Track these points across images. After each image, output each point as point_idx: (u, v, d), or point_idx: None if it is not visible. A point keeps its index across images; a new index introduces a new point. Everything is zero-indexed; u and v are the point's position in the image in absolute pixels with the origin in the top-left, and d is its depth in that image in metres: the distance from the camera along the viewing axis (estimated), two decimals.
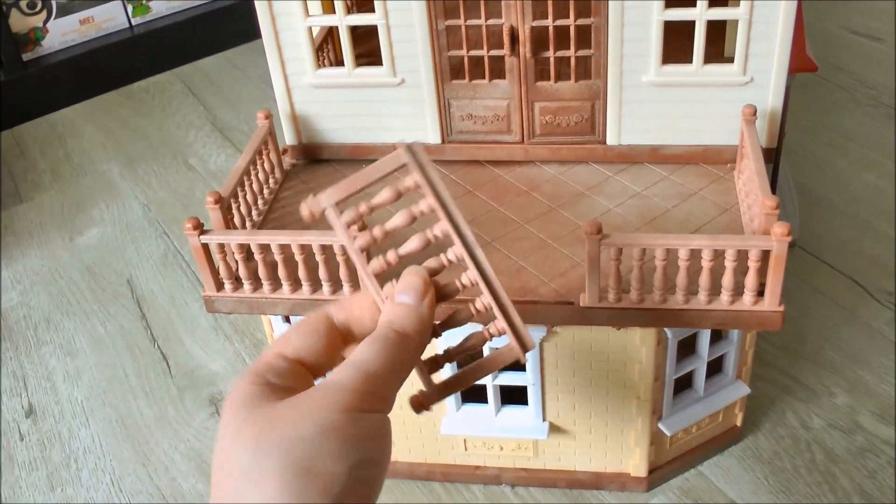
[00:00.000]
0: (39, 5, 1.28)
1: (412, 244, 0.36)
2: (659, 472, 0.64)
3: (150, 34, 1.36)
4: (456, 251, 0.36)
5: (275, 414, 0.28)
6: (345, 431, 0.28)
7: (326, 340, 0.33)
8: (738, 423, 0.66)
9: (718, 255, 0.48)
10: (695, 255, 0.48)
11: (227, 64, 1.38)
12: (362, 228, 0.37)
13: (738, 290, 0.49)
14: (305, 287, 0.54)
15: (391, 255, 0.36)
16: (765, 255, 0.47)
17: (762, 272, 0.48)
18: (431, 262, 0.36)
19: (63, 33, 1.31)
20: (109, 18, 1.35)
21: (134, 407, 0.78)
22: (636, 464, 0.63)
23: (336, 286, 0.54)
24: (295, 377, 0.31)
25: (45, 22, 1.30)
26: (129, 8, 1.35)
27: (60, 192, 1.11)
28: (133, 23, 1.36)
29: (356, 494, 0.28)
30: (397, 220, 0.36)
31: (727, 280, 0.48)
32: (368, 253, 0.37)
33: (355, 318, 0.35)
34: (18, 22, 1.27)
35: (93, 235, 1.02)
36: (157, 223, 1.02)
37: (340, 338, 0.34)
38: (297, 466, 0.27)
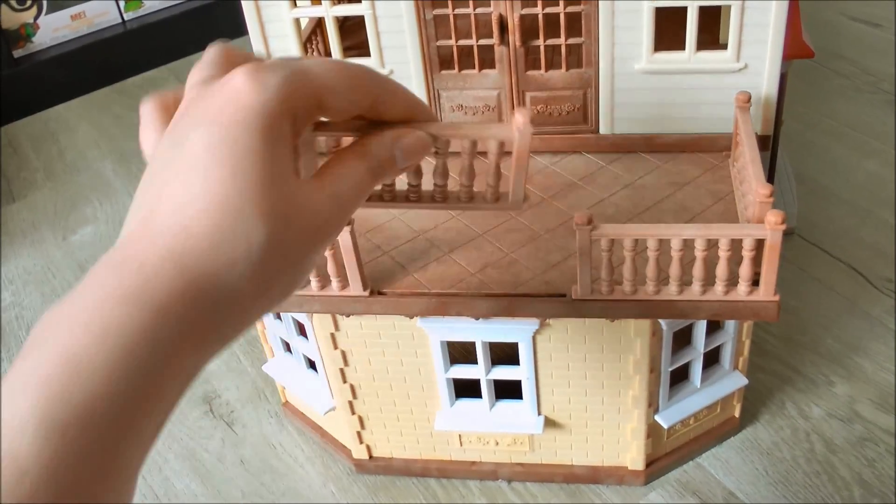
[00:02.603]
0: (29, 1, 1.27)
1: None
2: (657, 465, 0.64)
3: (143, 29, 1.35)
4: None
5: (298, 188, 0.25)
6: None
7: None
8: (737, 413, 0.66)
9: (712, 245, 0.47)
10: (688, 245, 0.47)
11: None
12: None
13: (732, 280, 0.48)
14: None
15: None
16: (759, 245, 0.47)
17: (757, 261, 0.47)
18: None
19: (55, 29, 1.30)
20: (102, 14, 1.33)
21: None
22: (633, 457, 0.62)
23: (324, 281, 0.54)
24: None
25: (36, 18, 1.29)
26: (122, 3, 1.34)
27: (54, 190, 1.10)
28: (126, 18, 1.35)
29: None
30: None
31: (721, 270, 0.48)
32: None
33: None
34: (9, 18, 1.26)
35: (86, 234, 1.01)
36: None
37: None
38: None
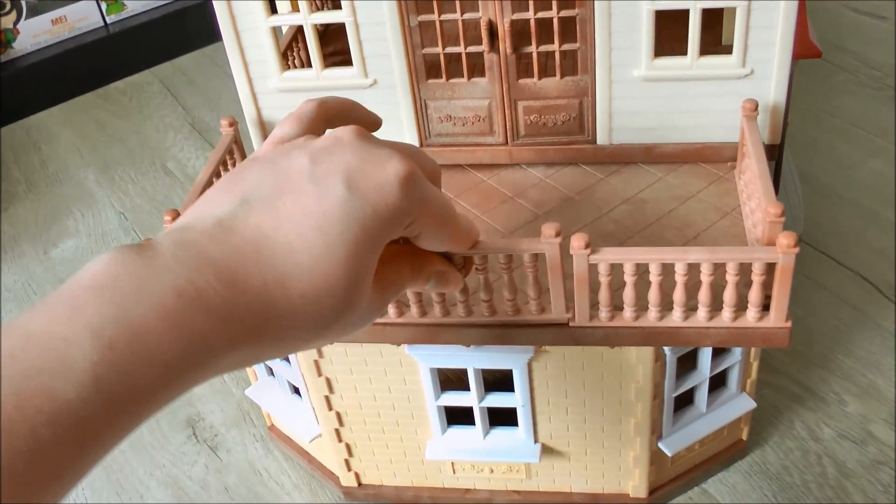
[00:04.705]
0: (9, 6, 1.23)
1: None
2: (660, 492, 0.60)
3: (126, 32, 1.31)
4: None
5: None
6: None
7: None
8: (744, 436, 0.63)
9: (719, 268, 0.44)
10: (693, 267, 0.44)
11: (206, 61, 1.33)
12: None
13: (741, 306, 0.45)
14: None
15: None
16: (770, 268, 0.43)
17: (767, 285, 0.44)
18: None
19: (35, 34, 1.27)
20: (83, 18, 1.30)
21: None
22: (636, 485, 0.59)
23: None
24: None
25: (16, 23, 1.25)
26: (104, 6, 1.30)
27: (35, 202, 1.07)
28: (108, 21, 1.31)
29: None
30: None
31: (729, 295, 0.44)
32: None
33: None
34: None
35: (67, 248, 0.98)
36: (133, 231, 0.98)
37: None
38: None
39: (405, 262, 0.33)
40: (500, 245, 0.40)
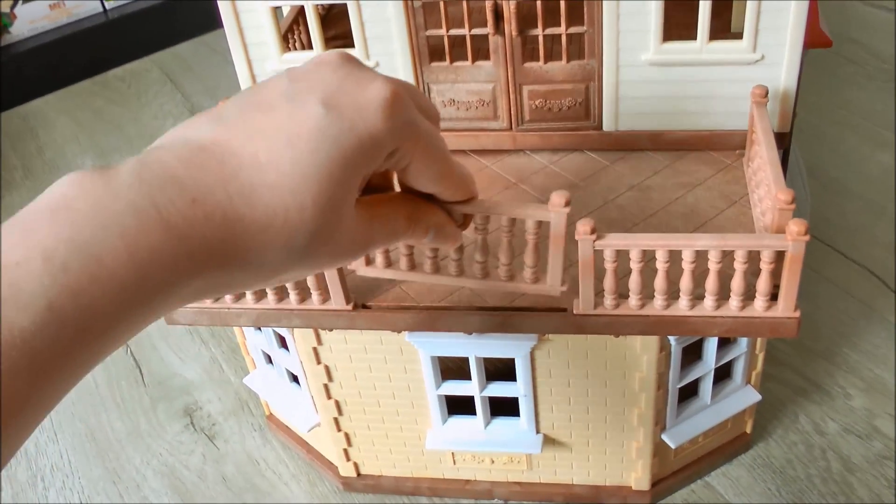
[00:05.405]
0: None
1: None
2: (663, 485, 0.60)
3: (125, 19, 1.29)
4: None
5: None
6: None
7: None
8: (748, 429, 0.62)
9: (727, 256, 0.43)
10: (701, 255, 0.43)
11: (205, 49, 1.31)
12: None
13: (748, 294, 0.44)
14: (270, 296, 0.49)
15: None
16: (779, 256, 0.42)
17: (776, 274, 0.43)
18: None
19: (32, 20, 1.25)
20: (81, 3, 1.28)
21: (105, 420, 0.73)
22: (638, 477, 0.58)
23: (304, 294, 0.49)
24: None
25: (13, 8, 1.23)
26: None
27: (32, 189, 1.06)
28: (107, 7, 1.30)
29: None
30: None
31: (737, 284, 0.43)
32: None
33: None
34: None
35: None
36: None
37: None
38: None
39: (401, 207, 0.31)
40: (504, 207, 0.38)
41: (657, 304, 0.45)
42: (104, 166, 0.24)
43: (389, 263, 0.43)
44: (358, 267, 0.44)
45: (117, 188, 0.23)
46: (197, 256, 0.24)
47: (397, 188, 0.33)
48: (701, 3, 0.50)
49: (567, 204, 0.39)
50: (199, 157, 0.25)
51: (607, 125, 0.56)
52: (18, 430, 0.21)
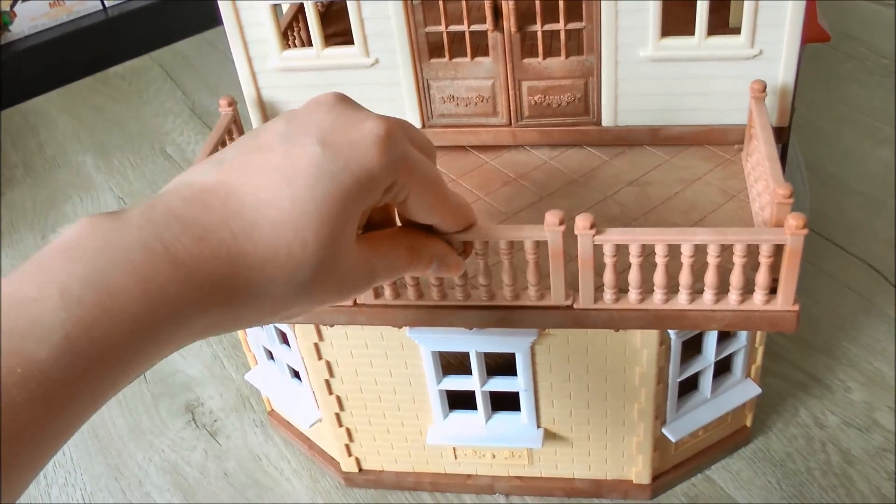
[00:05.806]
0: None
1: None
2: (664, 478, 0.60)
3: (126, 16, 1.29)
4: None
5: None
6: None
7: None
8: (748, 423, 0.62)
9: (725, 250, 0.43)
10: (700, 250, 0.43)
11: (206, 46, 1.31)
12: None
13: (747, 288, 0.44)
14: None
15: None
16: (778, 250, 0.42)
17: (775, 268, 0.43)
18: None
19: (32, 18, 1.25)
20: (81, 1, 1.28)
21: (106, 416, 0.73)
22: (639, 471, 0.58)
23: None
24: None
25: (13, 5, 1.23)
26: None
27: (33, 186, 1.06)
28: (107, 4, 1.30)
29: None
30: None
31: (736, 278, 0.44)
32: None
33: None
34: None
35: None
36: None
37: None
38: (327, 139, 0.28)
39: (402, 240, 0.33)
40: (501, 231, 0.39)
41: (657, 299, 0.45)
42: (115, 211, 0.26)
43: (398, 295, 0.45)
44: (367, 300, 0.46)
45: (126, 228, 0.24)
46: (204, 291, 0.25)
47: (398, 224, 0.34)
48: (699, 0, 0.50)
49: (561, 223, 0.40)
50: (203, 198, 0.26)
51: (606, 121, 0.56)
52: (33, 460, 0.22)
